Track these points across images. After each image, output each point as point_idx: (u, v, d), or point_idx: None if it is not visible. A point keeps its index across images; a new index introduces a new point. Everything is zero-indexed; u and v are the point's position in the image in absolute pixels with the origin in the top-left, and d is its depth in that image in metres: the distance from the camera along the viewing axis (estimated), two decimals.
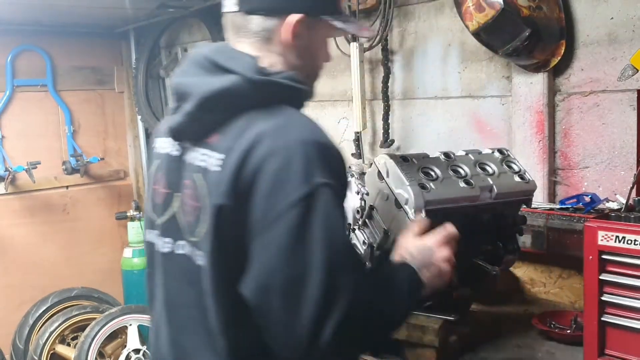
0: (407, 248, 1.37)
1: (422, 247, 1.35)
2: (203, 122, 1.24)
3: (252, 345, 1.19)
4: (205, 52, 1.28)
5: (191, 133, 1.27)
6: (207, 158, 1.22)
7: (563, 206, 2.19)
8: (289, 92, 1.24)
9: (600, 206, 2.10)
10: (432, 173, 1.68)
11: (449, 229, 1.42)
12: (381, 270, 1.33)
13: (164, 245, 1.34)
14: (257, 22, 1.28)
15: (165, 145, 1.36)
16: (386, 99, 2.88)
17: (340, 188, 1.16)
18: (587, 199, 2.15)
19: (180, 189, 1.29)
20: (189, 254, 1.26)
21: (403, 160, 1.66)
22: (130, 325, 3.83)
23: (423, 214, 1.60)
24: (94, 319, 3.91)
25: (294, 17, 1.27)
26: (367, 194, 1.73)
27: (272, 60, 1.29)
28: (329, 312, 1.06)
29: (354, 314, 1.09)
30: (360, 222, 1.77)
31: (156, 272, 1.38)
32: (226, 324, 1.19)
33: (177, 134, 1.30)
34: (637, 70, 1.82)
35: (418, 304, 1.38)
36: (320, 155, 1.13)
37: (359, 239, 1.77)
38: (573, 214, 2.11)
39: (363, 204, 1.78)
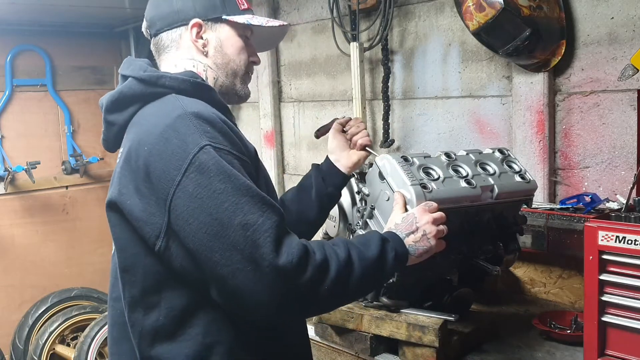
0: (392, 221, 1.45)
1: (406, 215, 1.43)
2: (115, 124, 1.37)
3: (151, 331, 1.27)
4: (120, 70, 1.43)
5: (112, 140, 1.41)
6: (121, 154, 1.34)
7: (563, 206, 2.19)
8: (178, 84, 1.32)
9: (601, 206, 2.10)
10: (433, 173, 1.68)
11: (430, 204, 1.47)
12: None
13: None
14: (165, 37, 1.45)
15: None
16: (386, 98, 2.88)
17: (224, 144, 1.21)
18: (588, 199, 2.15)
19: None
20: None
21: (404, 160, 1.66)
22: None
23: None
24: (94, 319, 3.91)
25: (191, 22, 1.42)
26: (368, 194, 1.73)
27: (183, 66, 1.43)
28: (267, 229, 1.14)
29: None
30: (361, 223, 1.76)
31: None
32: (130, 307, 1.30)
33: (104, 143, 1.44)
34: (638, 70, 1.81)
35: (400, 265, 1.35)
36: (196, 122, 1.21)
37: None
38: (573, 214, 2.11)
39: (364, 204, 1.78)
